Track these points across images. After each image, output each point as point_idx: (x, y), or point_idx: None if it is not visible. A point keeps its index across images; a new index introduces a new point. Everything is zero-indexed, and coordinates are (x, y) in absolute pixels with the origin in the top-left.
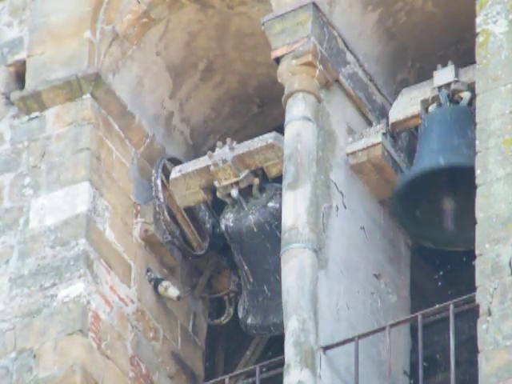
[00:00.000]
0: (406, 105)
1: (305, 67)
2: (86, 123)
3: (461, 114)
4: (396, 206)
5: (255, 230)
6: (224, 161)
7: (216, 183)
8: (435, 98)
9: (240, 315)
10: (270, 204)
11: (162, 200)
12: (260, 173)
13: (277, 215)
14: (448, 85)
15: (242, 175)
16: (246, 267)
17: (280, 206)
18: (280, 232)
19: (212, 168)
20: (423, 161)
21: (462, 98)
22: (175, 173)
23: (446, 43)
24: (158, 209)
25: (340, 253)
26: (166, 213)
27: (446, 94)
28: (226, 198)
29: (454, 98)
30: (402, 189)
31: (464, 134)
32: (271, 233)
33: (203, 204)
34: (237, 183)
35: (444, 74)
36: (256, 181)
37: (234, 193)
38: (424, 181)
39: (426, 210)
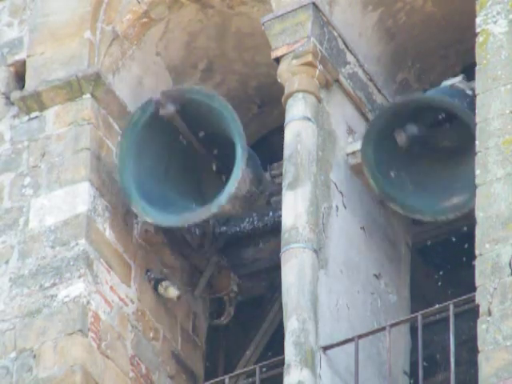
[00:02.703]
0: None
1: (305, 67)
2: (86, 123)
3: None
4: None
5: None
6: None
7: None
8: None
9: None
10: None
11: None
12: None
13: None
14: (452, 85)
15: None
16: None
17: None
18: None
19: None
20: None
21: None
22: None
23: (446, 43)
24: None
25: (340, 253)
26: None
27: (447, 86)
28: None
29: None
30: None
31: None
32: None
33: None
34: None
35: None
36: None
37: None
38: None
39: (400, 171)
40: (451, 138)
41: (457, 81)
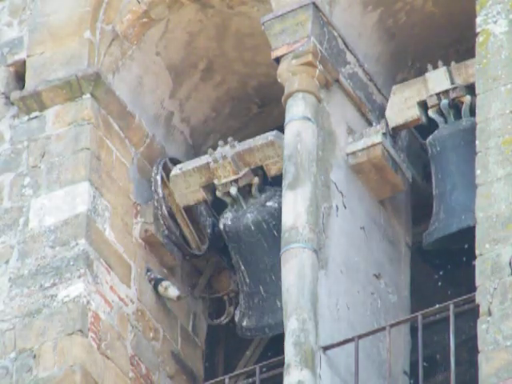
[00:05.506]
0: (402, 106)
1: (305, 67)
2: (86, 123)
3: (470, 133)
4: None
5: (253, 228)
6: (224, 157)
7: (216, 181)
8: (435, 106)
9: (236, 319)
10: (269, 203)
11: (160, 195)
12: (260, 173)
13: (275, 214)
14: (446, 92)
15: (242, 173)
16: (242, 267)
17: (279, 206)
18: (277, 232)
19: (212, 164)
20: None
21: (462, 103)
22: (176, 170)
23: (446, 43)
24: (156, 203)
25: (340, 253)
26: (164, 207)
27: (446, 105)
28: (226, 197)
29: (454, 103)
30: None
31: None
32: (269, 232)
33: (203, 204)
34: (236, 181)
35: (438, 78)
36: (255, 180)
37: (233, 190)
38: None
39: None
40: None
41: (447, 85)
